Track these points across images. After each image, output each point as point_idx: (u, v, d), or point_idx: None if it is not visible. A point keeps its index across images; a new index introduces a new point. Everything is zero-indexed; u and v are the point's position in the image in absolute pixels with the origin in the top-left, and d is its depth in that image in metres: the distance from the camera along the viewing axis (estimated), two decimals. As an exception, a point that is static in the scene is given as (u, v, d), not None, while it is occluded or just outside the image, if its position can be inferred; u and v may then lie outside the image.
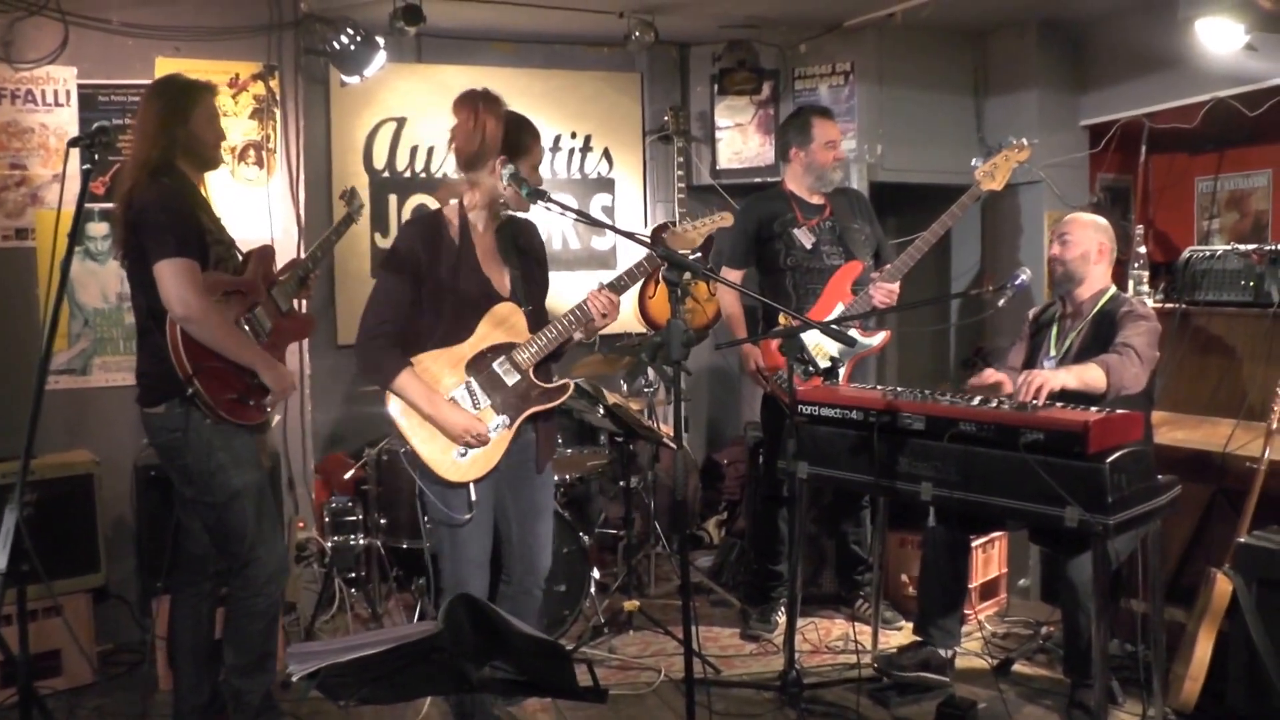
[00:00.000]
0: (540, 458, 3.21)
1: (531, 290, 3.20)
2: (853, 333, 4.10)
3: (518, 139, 3.06)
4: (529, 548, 3.23)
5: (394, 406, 3.05)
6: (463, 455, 3.04)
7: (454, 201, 3.15)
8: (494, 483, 3.14)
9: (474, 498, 3.05)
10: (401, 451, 3.01)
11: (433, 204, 5.46)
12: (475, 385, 3.07)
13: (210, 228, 3.22)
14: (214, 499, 3.19)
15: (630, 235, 3.11)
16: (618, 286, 3.15)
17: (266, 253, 3.44)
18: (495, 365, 3.08)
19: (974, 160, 4.26)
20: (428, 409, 2.99)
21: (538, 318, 3.17)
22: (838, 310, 4.25)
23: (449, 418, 2.99)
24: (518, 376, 3.09)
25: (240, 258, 3.37)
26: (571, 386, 3.20)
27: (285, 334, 3.48)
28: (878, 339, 4.31)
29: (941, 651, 3.83)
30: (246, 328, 3.27)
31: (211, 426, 3.14)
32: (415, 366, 3.02)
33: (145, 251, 3.06)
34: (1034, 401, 3.26)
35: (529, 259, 3.25)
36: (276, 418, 4.49)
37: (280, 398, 3.31)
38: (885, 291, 4.18)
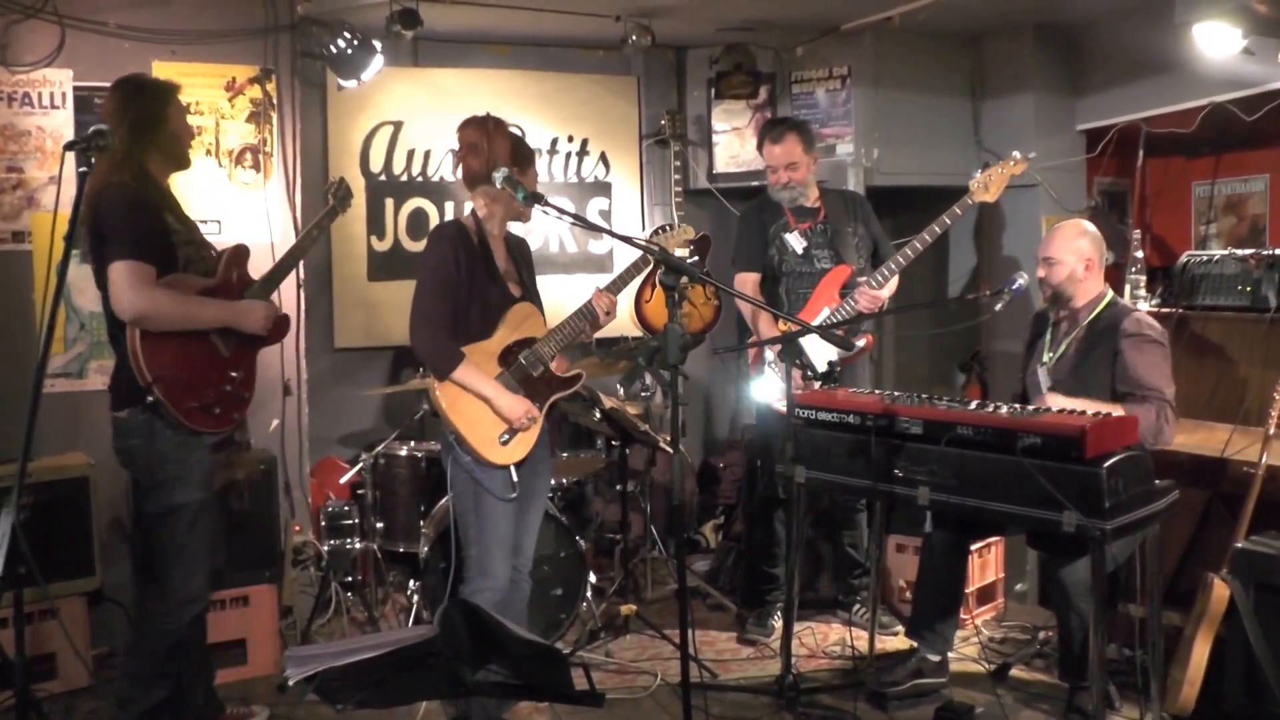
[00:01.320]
0: (553, 444, 3.54)
1: (534, 295, 3.46)
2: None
3: (520, 153, 3.34)
4: (517, 531, 3.39)
5: (441, 397, 3.24)
6: (506, 440, 3.27)
7: (468, 213, 3.39)
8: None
9: (515, 478, 3.30)
10: (450, 438, 3.27)
11: (430, 207, 5.49)
12: (507, 377, 3.31)
13: (178, 229, 3.18)
14: (151, 509, 3.17)
15: (627, 239, 3.19)
16: (615, 288, 3.49)
17: (240, 252, 3.38)
18: (522, 358, 3.32)
19: (974, 172, 4.28)
20: (490, 394, 3.24)
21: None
22: (823, 314, 4.25)
23: (509, 402, 3.26)
24: (541, 368, 3.35)
25: (213, 258, 3.32)
26: (584, 375, 3.45)
27: (256, 337, 3.39)
28: (860, 343, 4.31)
29: (931, 656, 3.83)
30: (217, 333, 3.24)
31: (171, 437, 3.12)
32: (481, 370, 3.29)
33: (104, 254, 3.05)
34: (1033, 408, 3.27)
35: (528, 269, 3.51)
36: (275, 422, 4.49)
37: (263, 331, 3.33)
38: (869, 297, 4.18)
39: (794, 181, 4.36)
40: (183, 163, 3.31)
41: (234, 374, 3.27)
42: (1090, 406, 3.36)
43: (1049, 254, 3.76)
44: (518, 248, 3.49)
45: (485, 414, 3.25)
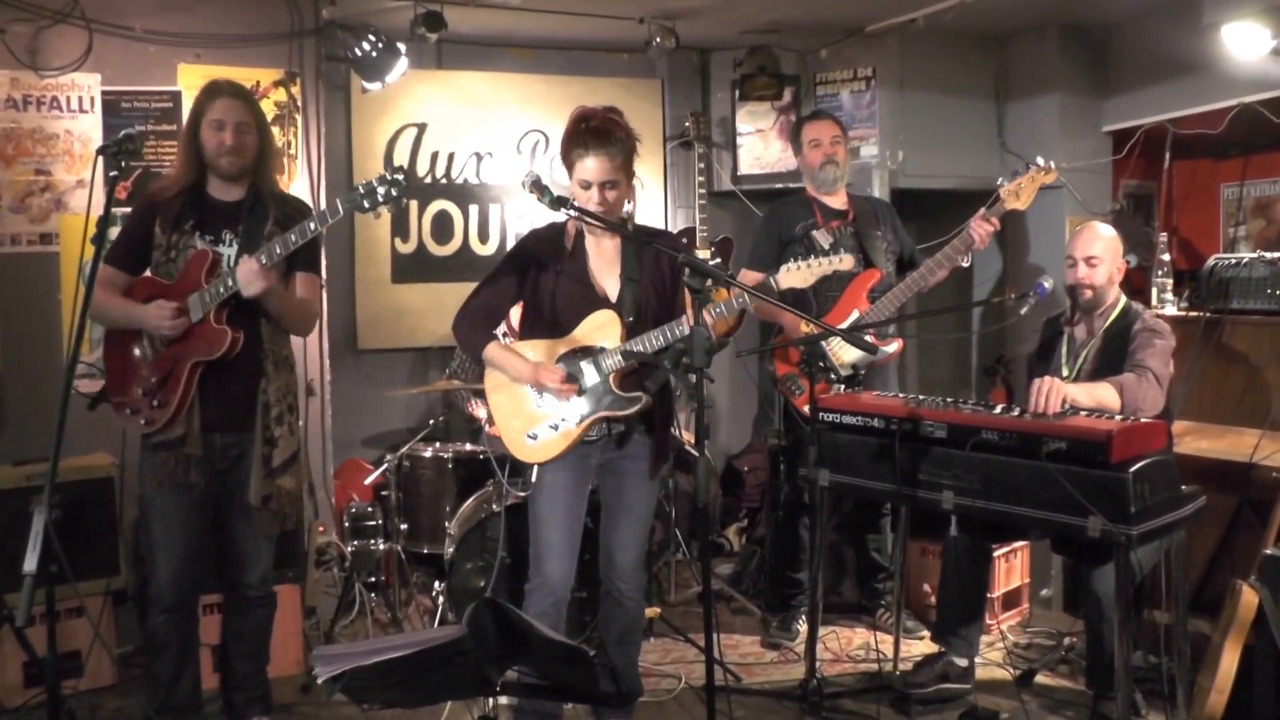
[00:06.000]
0: (651, 464, 3.28)
1: (644, 305, 3.21)
2: (868, 339, 4.10)
3: (565, 143, 3.19)
4: (608, 543, 3.34)
5: (488, 384, 3.30)
6: (532, 439, 3.21)
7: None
8: (579, 480, 3.27)
9: (533, 479, 3.26)
10: (487, 427, 3.26)
11: (454, 210, 5.50)
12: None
13: (159, 240, 3.22)
14: None
15: (650, 242, 3.14)
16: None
17: (200, 258, 3.23)
18: (581, 363, 3.18)
19: (1000, 180, 4.24)
20: (503, 361, 3.21)
21: (640, 330, 3.16)
22: (853, 318, 4.23)
23: (517, 365, 3.19)
24: (597, 379, 3.16)
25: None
26: (644, 400, 3.15)
27: (188, 346, 3.21)
28: (892, 347, 4.28)
29: (958, 661, 3.81)
30: (145, 337, 3.26)
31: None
32: (512, 348, 3.27)
33: None
34: (1045, 412, 3.24)
35: (658, 277, 3.27)
36: (299, 423, 4.50)
37: (164, 330, 3.17)
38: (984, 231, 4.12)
39: (836, 157, 4.38)
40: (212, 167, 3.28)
41: (153, 378, 3.23)
42: (1081, 390, 3.41)
43: (1092, 253, 3.69)
44: (647, 252, 3.25)
45: (517, 409, 3.23)
